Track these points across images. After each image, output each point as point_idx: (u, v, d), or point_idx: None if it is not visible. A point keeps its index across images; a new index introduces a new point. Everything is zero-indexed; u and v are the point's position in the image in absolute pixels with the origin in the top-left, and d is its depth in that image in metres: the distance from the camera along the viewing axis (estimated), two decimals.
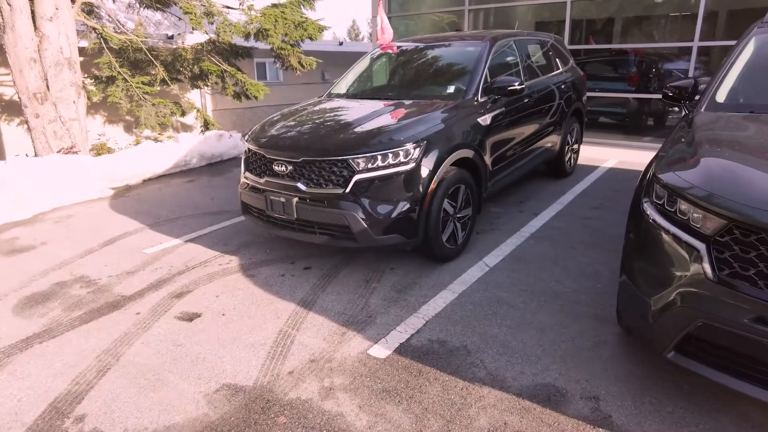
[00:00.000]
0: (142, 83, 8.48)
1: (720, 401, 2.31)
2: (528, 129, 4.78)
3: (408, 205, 3.40)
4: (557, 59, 5.69)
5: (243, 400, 2.50)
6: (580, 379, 2.52)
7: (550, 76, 5.35)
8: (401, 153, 3.37)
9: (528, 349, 2.79)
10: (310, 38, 8.75)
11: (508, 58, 4.76)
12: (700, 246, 1.92)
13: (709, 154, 2.22)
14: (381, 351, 2.84)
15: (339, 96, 4.85)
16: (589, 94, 8.96)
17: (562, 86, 5.46)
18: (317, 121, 4.03)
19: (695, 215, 1.98)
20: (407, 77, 4.86)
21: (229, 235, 4.81)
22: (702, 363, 2.00)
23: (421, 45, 5.14)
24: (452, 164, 3.70)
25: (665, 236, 2.08)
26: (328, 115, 4.15)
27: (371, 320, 3.17)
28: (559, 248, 4.10)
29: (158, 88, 8.92)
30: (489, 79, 4.22)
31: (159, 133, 9.47)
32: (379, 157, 3.34)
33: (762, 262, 1.77)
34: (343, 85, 5.04)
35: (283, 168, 3.58)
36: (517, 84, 4.08)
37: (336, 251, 4.19)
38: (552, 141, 5.38)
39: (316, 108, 4.40)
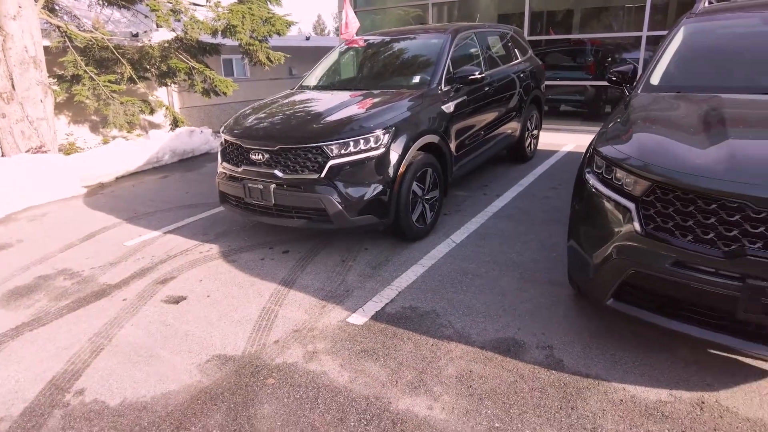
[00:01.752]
0: (109, 82, 8.45)
1: (656, 343, 2.65)
2: (489, 116, 5.09)
3: (380, 188, 3.66)
4: (516, 50, 6.03)
5: (233, 367, 2.72)
6: (536, 333, 2.84)
7: (510, 66, 5.68)
8: (372, 139, 3.62)
9: (490, 310, 3.09)
10: (278, 34, 8.89)
11: (470, 50, 5.05)
12: (631, 206, 2.24)
13: (639, 130, 2.55)
14: (359, 318, 3.10)
15: (309, 88, 5.07)
16: (550, 82, 9.41)
17: (521, 75, 5.80)
18: (291, 111, 4.24)
19: (627, 180, 2.30)
20: (374, 69, 5.11)
21: (207, 225, 4.97)
22: (636, 306, 2.33)
23: (386, 38, 5.39)
24: (419, 149, 3.97)
25: (603, 200, 2.40)
26: (300, 105, 4.36)
27: (349, 294, 3.42)
28: (520, 225, 4.43)
29: (125, 87, 8.91)
30: (452, 69, 4.50)
31: (128, 132, 9.45)
32: (351, 143, 3.59)
33: (678, 215, 2.10)
34: (313, 77, 5.25)
35: (260, 156, 3.78)
36: (477, 73, 4.38)
37: (312, 235, 4.41)
38: (512, 127, 5.71)
39: (288, 100, 4.61)
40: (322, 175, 3.57)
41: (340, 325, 3.05)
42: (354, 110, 3.92)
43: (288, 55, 9.97)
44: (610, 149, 2.44)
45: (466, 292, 3.33)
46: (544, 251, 3.87)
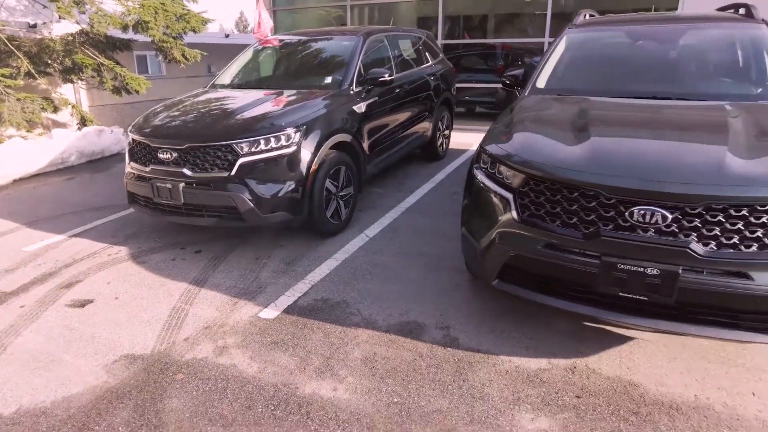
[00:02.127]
0: (3, 76, 7.85)
1: (539, 319, 2.96)
2: (401, 116, 5.32)
3: (292, 185, 3.75)
4: (427, 53, 6.32)
5: (142, 366, 2.71)
6: (436, 315, 3.06)
7: (421, 69, 5.95)
8: (282, 137, 3.71)
9: (397, 298, 3.29)
10: (194, 31, 8.67)
11: (381, 52, 5.26)
12: (510, 196, 2.51)
13: (519, 129, 2.84)
14: (270, 313, 3.18)
15: (223, 87, 5.05)
16: (465, 85, 9.89)
17: (432, 78, 6.09)
18: (202, 109, 4.22)
19: (507, 174, 2.56)
20: (287, 69, 5.18)
21: (116, 227, 4.81)
22: (518, 286, 2.60)
23: (301, 39, 5.47)
24: (331, 147, 4.10)
25: (488, 192, 2.65)
26: (212, 104, 4.35)
27: (261, 290, 3.48)
28: (430, 219, 4.69)
29: (23, 82, 8.30)
30: (363, 71, 4.67)
31: (27, 131, 8.80)
32: (262, 141, 3.65)
33: (548, 204, 2.38)
34: (226, 76, 5.23)
35: (168, 155, 3.75)
36: (387, 75, 4.58)
37: (226, 234, 4.42)
38: (425, 127, 5.99)
39: (200, 98, 4.58)
40: (233, 173, 3.61)
41: (252, 320, 3.12)
42: (265, 109, 3.99)
43: (205, 53, 9.74)
44: (494, 147, 2.71)
45: (376, 282, 3.51)
46: (450, 242, 4.13)
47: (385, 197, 5.35)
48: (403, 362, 2.65)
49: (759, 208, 2.02)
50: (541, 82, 3.57)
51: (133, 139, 4.08)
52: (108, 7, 8.33)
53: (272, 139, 3.67)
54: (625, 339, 2.78)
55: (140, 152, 3.98)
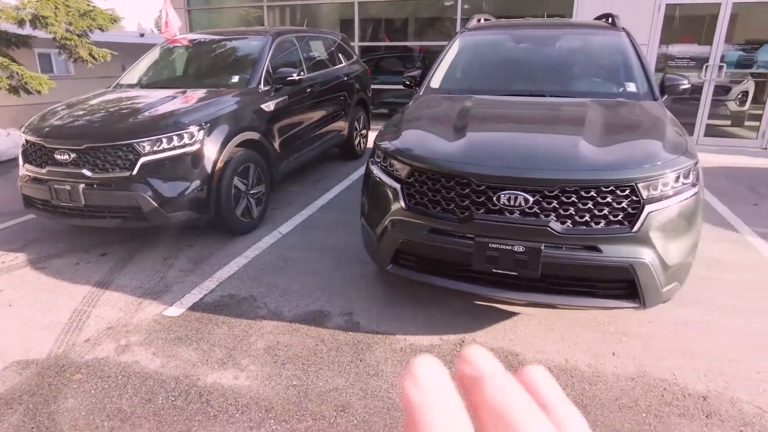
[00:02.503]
0: None
1: (435, 299, 3.18)
2: (314, 115, 5.43)
3: (196, 183, 3.76)
4: (341, 55, 6.47)
5: (36, 370, 2.65)
6: (341, 303, 3.21)
7: (333, 70, 6.09)
8: (186, 135, 3.71)
9: (304, 289, 3.41)
10: (100, 29, 8.29)
11: (291, 52, 5.34)
12: (398, 187, 2.70)
13: (408, 126, 3.06)
14: (176, 311, 3.19)
15: (128, 86, 4.93)
16: (385, 86, 10.13)
17: (345, 79, 6.25)
18: (103, 109, 4.12)
19: (396, 166, 2.76)
20: (196, 68, 5.14)
21: (13, 234, 4.57)
22: (409, 269, 2.80)
23: (211, 38, 5.44)
24: (239, 145, 4.14)
25: (381, 184, 2.84)
26: (114, 103, 4.25)
27: (168, 289, 3.47)
28: (344, 215, 4.83)
29: None
30: (271, 70, 4.74)
31: None
32: (164, 140, 3.64)
33: (430, 192, 2.60)
34: (133, 75, 5.11)
35: (66, 156, 3.64)
36: (295, 75, 4.68)
37: (134, 236, 4.33)
38: (340, 127, 6.14)
39: (102, 98, 4.45)
40: (134, 172, 3.57)
41: (156, 318, 3.12)
42: (169, 107, 3.96)
43: (115, 53, 9.33)
44: (385, 142, 2.91)
45: (284, 276, 3.60)
46: (360, 236, 4.29)
47: (301, 195, 5.44)
48: (304, 348, 2.77)
49: (604, 189, 2.34)
50: (435, 83, 3.82)
51: (27, 140, 3.92)
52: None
53: (175, 138, 3.66)
54: (511, 314, 3.06)
55: (35, 153, 3.83)
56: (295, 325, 3.00)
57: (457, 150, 2.59)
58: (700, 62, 7.73)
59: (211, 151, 3.84)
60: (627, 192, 2.35)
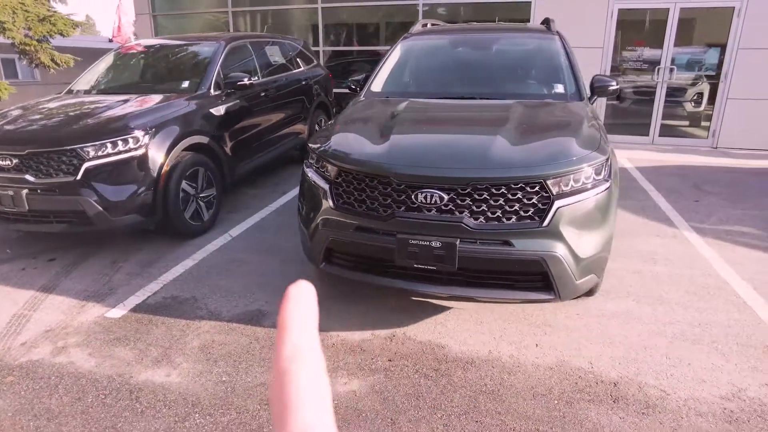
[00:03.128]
0: None
1: (371, 297, 3.28)
2: (269, 119, 5.49)
3: (141, 187, 3.80)
4: (299, 59, 6.55)
5: None
6: (279, 303, 3.27)
7: (290, 74, 6.17)
8: (131, 140, 3.75)
9: (246, 290, 3.47)
10: (61, 34, 8.25)
11: (245, 58, 5.40)
12: (327, 187, 2.79)
13: (340, 129, 3.16)
14: (117, 312, 3.23)
15: (79, 92, 4.94)
16: None
17: (304, 83, 6.33)
18: (49, 114, 4.13)
19: (326, 167, 2.85)
20: (147, 73, 5.18)
21: None
22: (340, 267, 2.89)
23: (164, 44, 5.48)
24: (188, 149, 4.19)
25: (313, 184, 2.92)
26: (61, 108, 4.26)
27: (112, 292, 3.51)
28: (296, 217, 4.89)
29: None
30: (222, 75, 4.80)
31: None
32: (109, 145, 3.67)
33: (356, 191, 2.69)
34: (83, 81, 5.13)
35: (8, 162, 3.66)
36: (246, 79, 4.74)
37: (83, 241, 4.34)
38: (299, 130, 6.21)
39: (50, 104, 4.46)
40: (78, 177, 3.60)
41: (97, 320, 3.15)
42: (115, 113, 3.99)
43: (79, 58, 9.28)
44: (316, 144, 2.99)
45: (228, 278, 3.66)
46: None
47: (258, 198, 5.49)
48: (238, 346, 2.84)
49: (513, 186, 2.46)
50: (375, 86, 3.92)
51: None
52: None
53: (120, 142, 3.70)
54: (444, 309, 3.17)
55: None
56: (232, 324, 3.06)
57: (381, 151, 2.70)
58: (653, 65, 7.99)
59: (157, 155, 3.88)
60: (536, 188, 2.47)
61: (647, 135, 8.31)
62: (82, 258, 4.07)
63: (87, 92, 4.90)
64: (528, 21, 8.15)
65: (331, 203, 2.76)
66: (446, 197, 2.48)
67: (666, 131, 8.29)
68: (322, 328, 2.99)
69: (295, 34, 10.84)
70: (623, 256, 3.97)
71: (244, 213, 5.02)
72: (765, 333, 2.92)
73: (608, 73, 8.15)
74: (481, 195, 2.47)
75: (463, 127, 3.06)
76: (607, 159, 2.67)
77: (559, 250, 2.47)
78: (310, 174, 2.98)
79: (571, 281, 2.55)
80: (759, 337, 2.89)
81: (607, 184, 2.64)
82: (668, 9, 7.61)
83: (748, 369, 2.61)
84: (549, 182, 2.46)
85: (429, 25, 4.75)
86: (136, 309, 3.27)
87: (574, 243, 2.51)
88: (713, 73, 7.95)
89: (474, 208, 2.48)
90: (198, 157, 4.29)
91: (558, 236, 2.47)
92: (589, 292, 3.17)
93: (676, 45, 7.79)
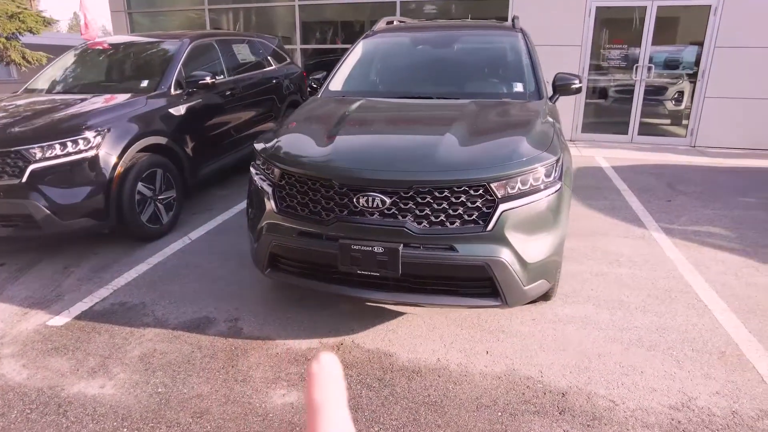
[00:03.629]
0: None
1: (324, 303, 3.18)
2: (235, 118, 5.38)
3: (92, 190, 3.68)
4: (271, 58, 6.44)
5: None
6: (230, 309, 3.18)
7: (260, 72, 6.05)
8: (81, 141, 3.63)
9: (197, 295, 3.36)
10: (31, 32, 8.08)
11: (210, 56, 5.28)
12: (270, 190, 2.69)
13: (287, 129, 3.05)
14: (60, 320, 3.11)
15: (34, 91, 4.80)
16: None
17: (275, 81, 6.22)
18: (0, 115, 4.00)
19: (270, 169, 2.75)
20: (108, 72, 5.04)
21: None
22: (287, 273, 2.80)
23: (129, 42, 5.35)
24: (144, 150, 4.07)
25: (258, 187, 2.82)
26: (11, 109, 4.12)
27: (59, 298, 3.39)
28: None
29: None
30: (185, 74, 4.68)
31: None
32: (57, 146, 3.55)
33: (299, 195, 2.60)
34: (44, 79, 4.98)
35: None
36: (209, 78, 4.63)
37: (37, 245, 4.21)
38: (269, 129, 6.08)
39: (5, 103, 4.32)
40: (24, 180, 3.48)
41: (38, 328, 3.04)
42: (67, 113, 3.87)
43: (51, 56, 9.10)
44: (261, 145, 2.89)
45: (181, 283, 3.55)
46: None
47: (225, 199, 5.38)
48: (180, 355, 2.74)
49: (456, 189, 2.37)
50: (334, 85, 3.82)
51: None
52: None
53: (69, 144, 3.58)
54: (397, 314, 3.08)
55: None
56: (177, 332, 2.96)
57: (323, 153, 2.60)
58: (632, 63, 7.94)
59: (110, 156, 3.76)
60: (480, 191, 2.38)
61: (626, 134, 8.27)
62: (33, 263, 3.94)
63: (43, 91, 4.76)
64: (506, 18, 8.07)
65: (274, 207, 2.66)
66: (388, 201, 2.39)
67: (646, 130, 8.25)
68: (269, 336, 2.90)
69: (279, 32, 10.72)
70: (588, 257, 3.91)
71: (208, 214, 4.91)
72: (721, 338, 2.86)
73: (587, 71, 8.10)
74: (424, 198, 2.38)
75: (412, 128, 2.97)
76: (558, 160, 2.59)
77: (505, 255, 2.39)
78: (255, 175, 2.88)
79: (518, 287, 2.47)
80: (715, 342, 2.83)
81: (558, 186, 2.56)
82: (646, 7, 7.56)
83: (701, 376, 2.54)
84: (493, 185, 2.38)
85: (396, 23, 4.65)
86: (81, 316, 3.15)
87: (520, 247, 2.42)
88: (691, 72, 7.92)
89: (417, 212, 2.39)
90: (156, 159, 4.17)
91: (503, 241, 2.39)
92: (545, 297, 3.10)
93: (654, 43, 7.74)
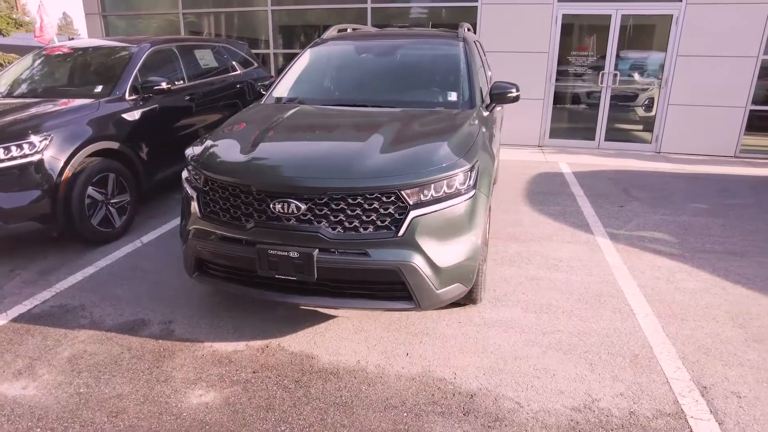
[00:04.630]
0: None
1: (258, 306, 3.25)
2: (196, 122, 5.45)
3: (38, 194, 3.74)
4: (236, 62, 6.51)
5: None
6: (165, 312, 3.25)
7: (224, 78, 6.13)
8: (26, 146, 3.68)
9: (137, 298, 3.43)
10: (0, 33, 8.10)
11: (169, 61, 5.35)
12: (195, 195, 2.77)
13: (216, 135, 3.13)
14: None
15: None
16: None
17: (238, 86, 6.29)
18: None
19: (198, 175, 2.82)
20: (64, 76, 5.09)
21: None
22: (213, 278, 2.87)
23: (89, 46, 5.40)
24: (96, 155, 4.13)
25: (187, 192, 2.89)
26: None
27: None
28: None
29: None
30: (140, 79, 4.74)
31: None
32: (2, 150, 3.60)
33: (220, 200, 2.67)
34: None
35: None
36: (165, 84, 4.69)
37: None
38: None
39: None
40: None
41: None
42: (14, 117, 3.91)
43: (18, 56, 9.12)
44: (191, 151, 2.97)
45: (123, 286, 3.61)
46: None
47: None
48: (108, 357, 2.80)
49: (369, 196, 2.45)
50: (278, 92, 3.91)
51: None
52: None
53: (13, 148, 3.64)
54: (327, 317, 3.16)
55: None
56: (110, 334, 3.02)
57: (243, 160, 2.68)
58: (598, 70, 8.08)
59: (56, 161, 3.82)
60: (392, 198, 2.47)
61: (593, 139, 8.40)
62: None
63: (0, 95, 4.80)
64: (474, 25, 8.18)
65: (198, 212, 2.74)
66: (304, 207, 2.47)
67: (613, 136, 8.39)
68: (197, 338, 2.96)
69: (254, 36, 10.77)
70: (528, 262, 4.01)
71: (164, 218, 4.96)
72: (638, 341, 2.96)
73: (554, 77, 8.23)
74: (338, 205, 2.46)
75: (336, 136, 3.05)
76: (472, 167, 2.67)
77: (416, 259, 2.48)
78: (185, 180, 2.96)
79: (430, 290, 2.55)
80: (631, 345, 2.92)
81: (472, 193, 2.64)
82: (610, 15, 7.70)
83: (609, 378, 2.63)
84: (404, 192, 2.46)
85: (349, 30, 4.74)
86: (18, 319, 3.21)
87: (432, 252, 2.51)
88: (655, 79, 8.07)
89: (332, 218, 2.47)
90: (107, 163, 4.23)
91: (414, 246, 2.47)
92: (472, 300, 3.19)
93: (619, 51, 7.89)
